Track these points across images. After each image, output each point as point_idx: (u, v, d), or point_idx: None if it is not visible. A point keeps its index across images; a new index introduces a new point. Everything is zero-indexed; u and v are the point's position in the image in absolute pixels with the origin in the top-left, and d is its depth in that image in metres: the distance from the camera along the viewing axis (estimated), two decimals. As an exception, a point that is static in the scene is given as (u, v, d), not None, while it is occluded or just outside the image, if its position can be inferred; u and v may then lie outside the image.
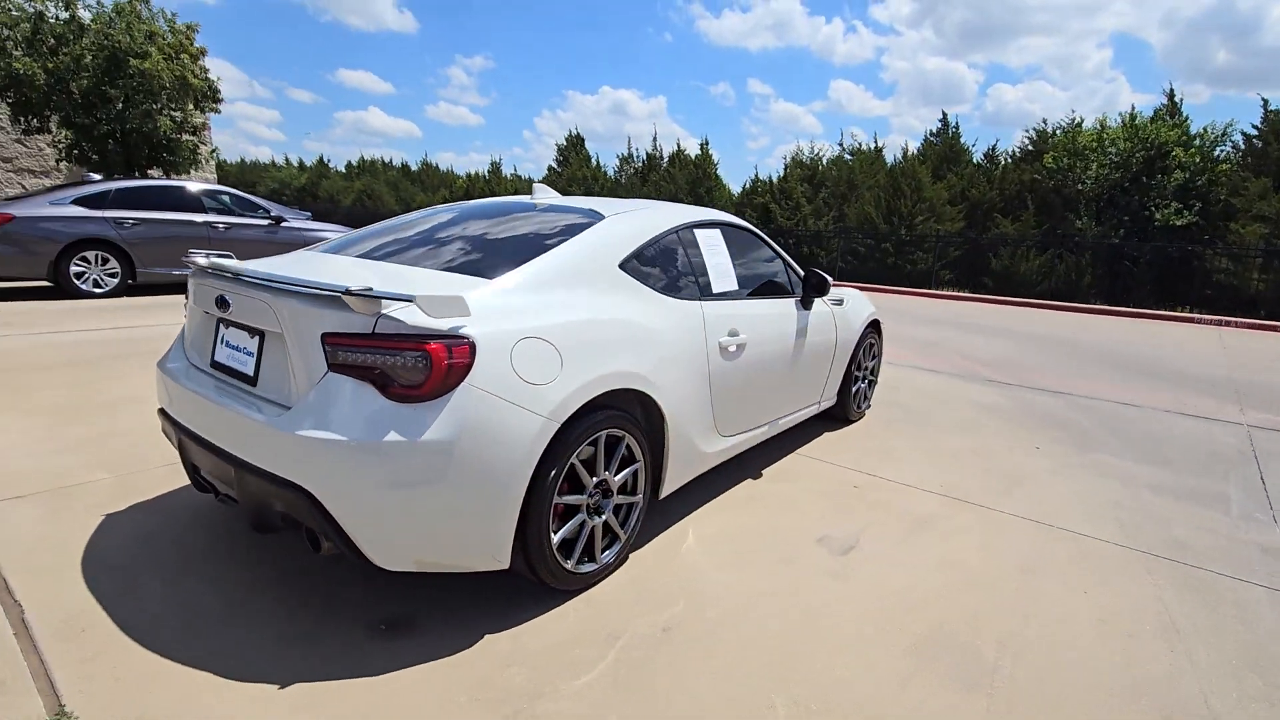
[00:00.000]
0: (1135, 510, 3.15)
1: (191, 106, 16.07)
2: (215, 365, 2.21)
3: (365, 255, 2.55)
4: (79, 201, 7.82)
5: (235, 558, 2.35)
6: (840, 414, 4.24)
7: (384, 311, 1.79)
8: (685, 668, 1.89)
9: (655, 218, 2.80)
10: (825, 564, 2.52)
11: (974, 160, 18.78)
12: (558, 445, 2.00)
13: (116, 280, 8.01)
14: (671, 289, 2.67)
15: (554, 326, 2.06)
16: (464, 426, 1.79)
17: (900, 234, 16.63)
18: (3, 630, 1.86)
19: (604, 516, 2.28)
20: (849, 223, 18.18)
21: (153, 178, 14.28)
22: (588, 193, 23.75)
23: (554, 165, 27.99)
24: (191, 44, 15.88)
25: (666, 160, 24.65)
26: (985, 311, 12.04)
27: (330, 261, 2.51)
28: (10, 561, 2.23)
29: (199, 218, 8.67)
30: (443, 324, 1.81)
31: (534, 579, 2.11)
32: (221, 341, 2.21)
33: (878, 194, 17.59)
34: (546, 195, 3.11)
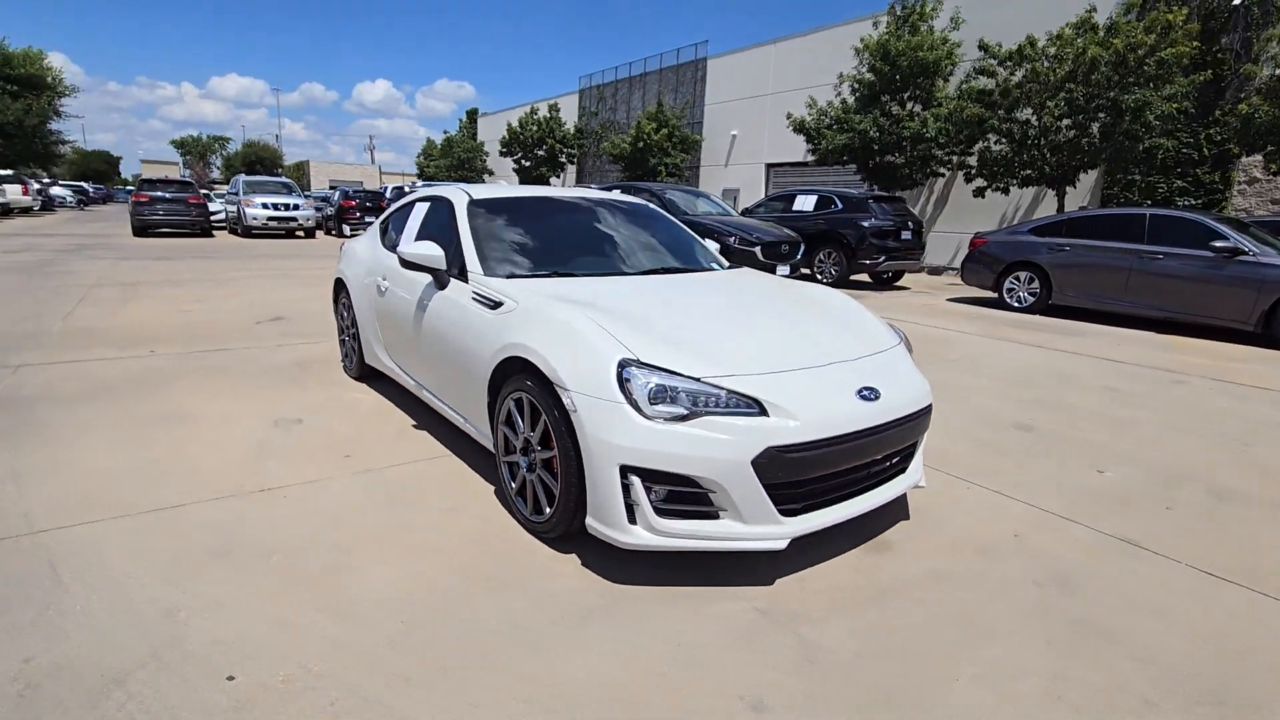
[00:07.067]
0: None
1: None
2: None
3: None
4: (1033, 230, 9.19)
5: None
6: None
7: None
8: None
9: (413, 196, 4.14)
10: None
11: None
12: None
13: (1035, 299, 8.96)
14: (385, 239, 4.16)
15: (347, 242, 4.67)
16: None
17: None
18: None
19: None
20: None
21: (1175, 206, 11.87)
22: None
23: None
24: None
25: None
26: None
27: None
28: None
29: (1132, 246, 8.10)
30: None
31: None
32: None
33: None
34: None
